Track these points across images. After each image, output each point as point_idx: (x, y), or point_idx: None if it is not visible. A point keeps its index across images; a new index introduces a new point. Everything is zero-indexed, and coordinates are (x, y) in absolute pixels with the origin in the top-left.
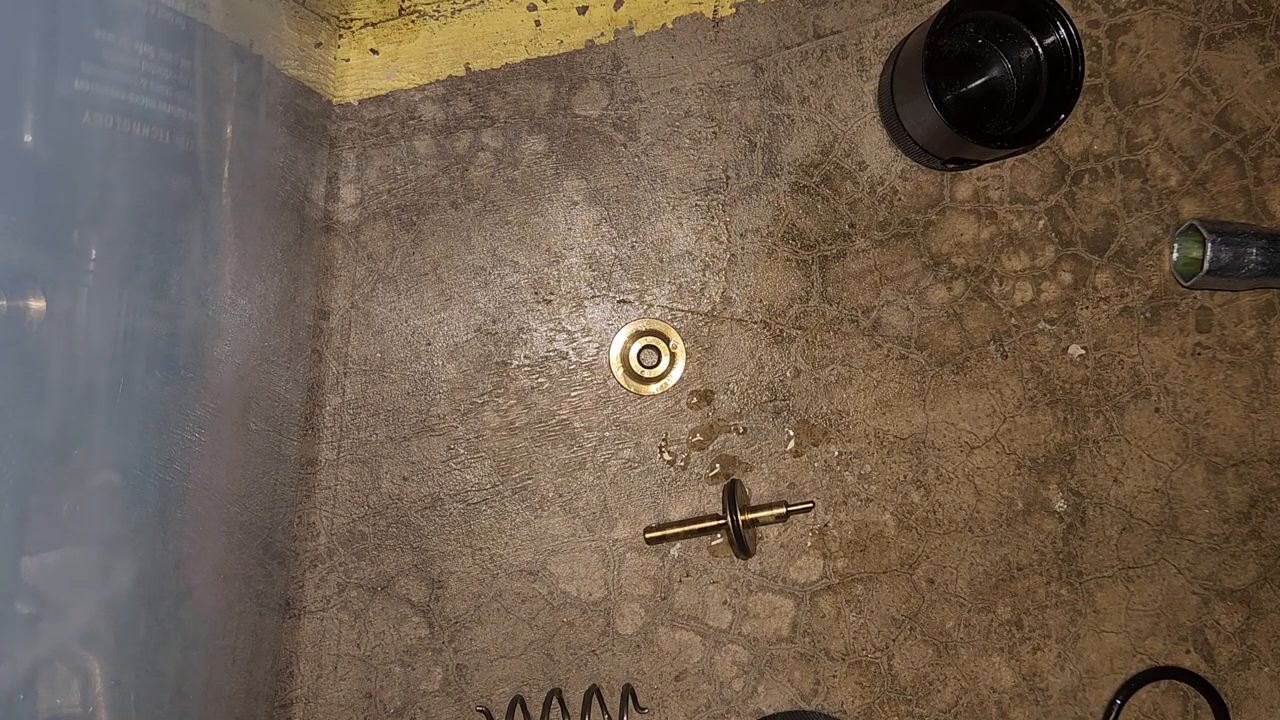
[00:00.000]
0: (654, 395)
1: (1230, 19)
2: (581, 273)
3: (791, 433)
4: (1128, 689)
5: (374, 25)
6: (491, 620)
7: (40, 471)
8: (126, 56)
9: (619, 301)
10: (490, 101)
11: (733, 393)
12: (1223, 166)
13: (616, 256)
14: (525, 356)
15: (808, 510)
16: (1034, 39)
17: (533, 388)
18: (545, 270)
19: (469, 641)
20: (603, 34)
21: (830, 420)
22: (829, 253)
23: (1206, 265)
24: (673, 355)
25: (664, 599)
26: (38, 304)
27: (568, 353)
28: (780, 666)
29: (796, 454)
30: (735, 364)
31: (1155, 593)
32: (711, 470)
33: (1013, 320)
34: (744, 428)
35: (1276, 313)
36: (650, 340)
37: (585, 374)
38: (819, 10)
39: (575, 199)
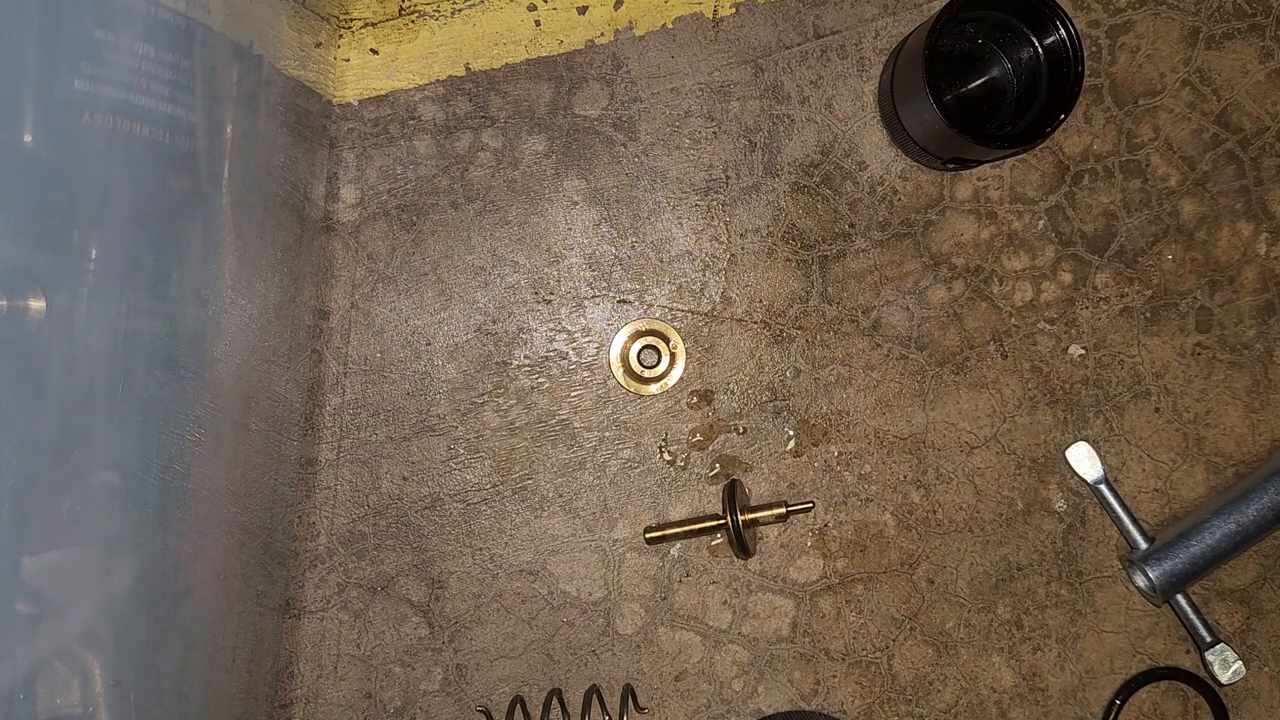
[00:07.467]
0: (654, 395)
1: (1230, 19)
2: (581, 273)
3: (791, 433)
4: (1128, 689)
5: (374, 25)
6: (491, 620)
7: (40, 471)
8: (126, 56)
9: (619, 301)
10: (490, 101)
11: (733, 393)
12: (1223, 166)
13: (616, 256)
14: (525, 356)
15: (808, 510)
16: (1034, 39)
17: (533, 388)
18: (545, 270)
19: (469, 641)
20: (603, 34)
21: (830, 420)
22: (829, 253)
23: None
24: (673, 355)
25: (664, 599)
26: (38, 304)
27: (568, 353)
28: (780, 666)
29: (796, 454)
30: (735, 364)
31: None
32: (711, 470)
33: (1013, 320)
34: (744, 428)
35: (1276, 313)
36: (650, 340)
37: (585, 374)
38: (819, 10)
39: (575, 199)
